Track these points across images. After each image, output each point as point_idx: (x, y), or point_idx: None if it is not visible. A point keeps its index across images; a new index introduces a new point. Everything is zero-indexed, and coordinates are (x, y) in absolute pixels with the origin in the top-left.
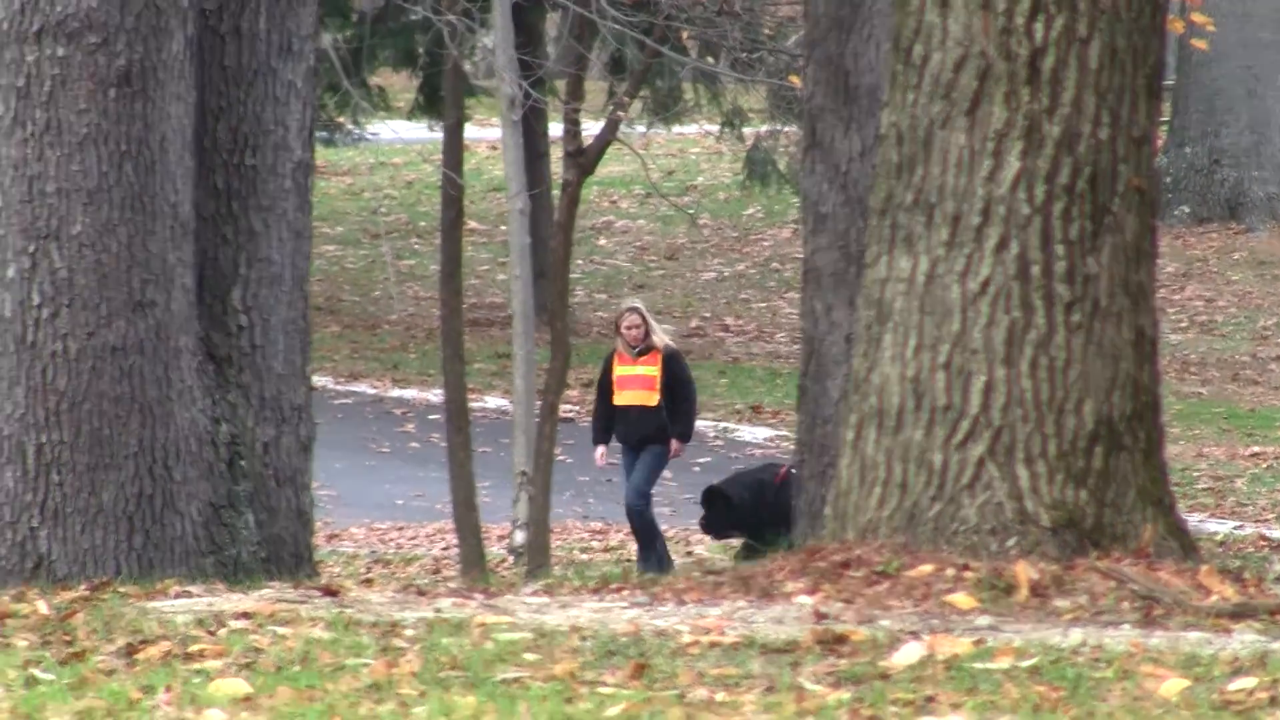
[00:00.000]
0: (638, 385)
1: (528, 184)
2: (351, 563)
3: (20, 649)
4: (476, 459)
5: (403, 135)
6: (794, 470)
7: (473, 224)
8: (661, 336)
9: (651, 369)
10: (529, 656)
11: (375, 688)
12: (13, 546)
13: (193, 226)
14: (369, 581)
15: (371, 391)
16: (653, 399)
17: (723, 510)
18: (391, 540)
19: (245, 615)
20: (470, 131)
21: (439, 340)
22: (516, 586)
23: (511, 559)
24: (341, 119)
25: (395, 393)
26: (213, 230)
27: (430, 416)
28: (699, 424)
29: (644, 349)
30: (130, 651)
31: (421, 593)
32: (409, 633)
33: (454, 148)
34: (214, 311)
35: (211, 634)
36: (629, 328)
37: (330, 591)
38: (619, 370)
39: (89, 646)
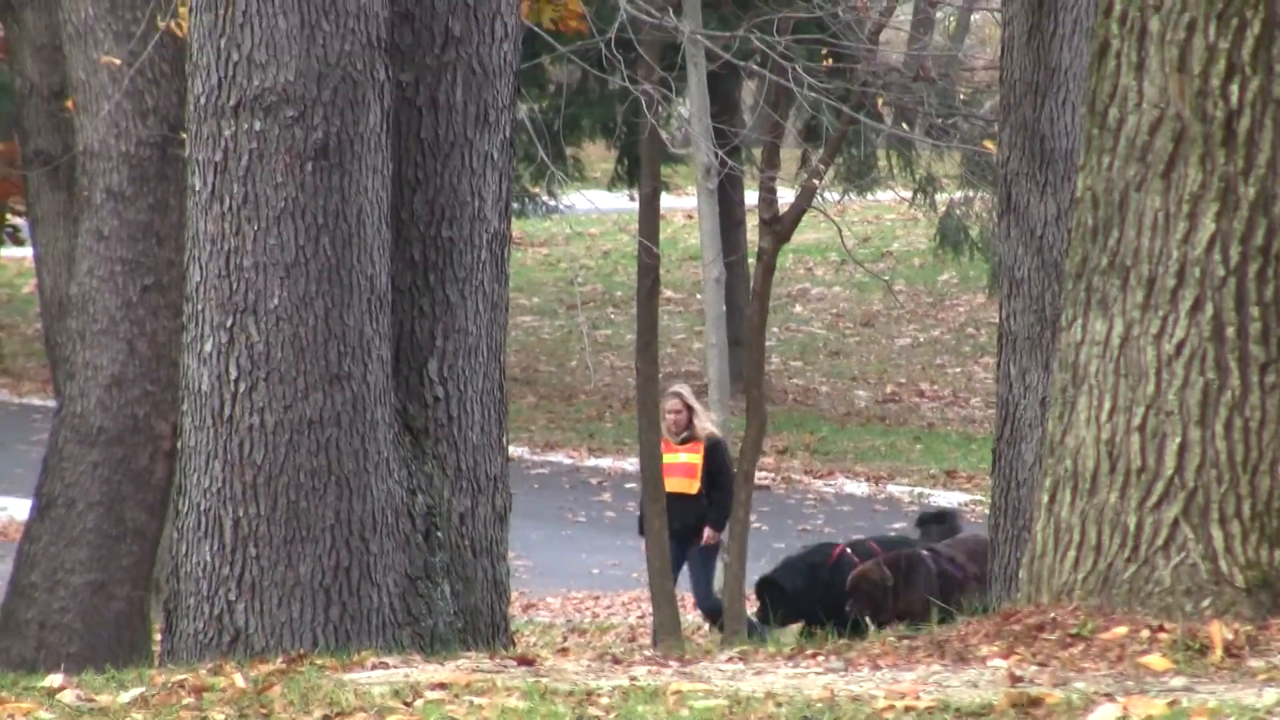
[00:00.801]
0: (679, 473)
1: (723, 252)
2: (548, 632)
3: None
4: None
5: (599, 205)
6: (848, 551)
7: (669, 293)
8: (705, 424)
9: (694, 457)
10: None
11: None
12: (210, 620)
13: (389, 299)
14: (565, 650)
15: (568, 461)
16: (693, 487)
17: (778, 600)
18: (587, 609)
19: (441, 686)
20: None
21: (635, 409)
22: (712, 653)
23: (707, 626)
24: (536, 189)
25: (591, 462)
26: (409, 302)
27: (626, 485)
28: (893, 488)
29: (686, 437)
30: None
31: (617, 660)
32: (604, 700)
33: (650, 216)
34: (410, 383)
35: (408, 705)
36: (670, 412)
37: (526, 661)
38: (664, 458)
39: (286, 719)
